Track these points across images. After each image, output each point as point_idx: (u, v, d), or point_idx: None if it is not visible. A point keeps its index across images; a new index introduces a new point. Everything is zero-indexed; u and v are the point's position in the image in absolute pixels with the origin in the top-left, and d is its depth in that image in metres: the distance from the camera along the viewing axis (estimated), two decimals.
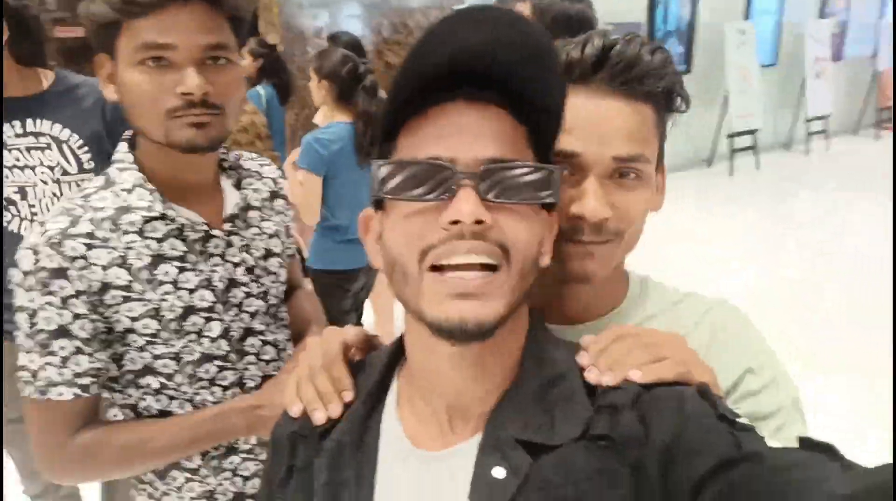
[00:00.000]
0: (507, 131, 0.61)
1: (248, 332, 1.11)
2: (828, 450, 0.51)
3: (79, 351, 0.95)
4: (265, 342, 1.14)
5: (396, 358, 0.73)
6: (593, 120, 0.72)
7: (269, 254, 1.14)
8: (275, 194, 1.21)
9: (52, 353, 0.95)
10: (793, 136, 8.71)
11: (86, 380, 0.97)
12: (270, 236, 1.16)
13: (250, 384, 1.11)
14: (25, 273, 0.93)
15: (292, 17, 4.57)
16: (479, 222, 0.56)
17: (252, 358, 1.11)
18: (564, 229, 0.73)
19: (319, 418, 0.70)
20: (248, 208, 1.12)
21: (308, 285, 1.81)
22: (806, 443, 0.53)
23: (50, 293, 0.93)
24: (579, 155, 0.72)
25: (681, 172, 7.57)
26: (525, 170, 0.60)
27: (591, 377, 0.64)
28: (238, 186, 1.13)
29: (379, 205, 0.66)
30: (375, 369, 0.72)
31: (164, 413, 1.05)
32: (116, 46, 0.94)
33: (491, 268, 0.58)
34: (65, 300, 0.93)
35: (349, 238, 2.73)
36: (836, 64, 8.73)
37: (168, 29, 0.91)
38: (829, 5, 8.87)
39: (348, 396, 0.71)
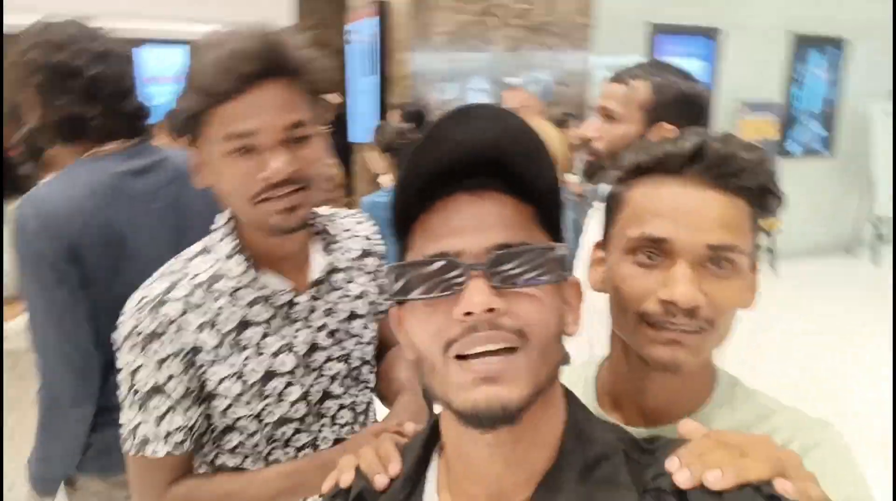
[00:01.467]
0: (511, 216, 0.62)
1: (327, 395, 1.12)
2: None
3: (172, 410, 1.00)
4: (342, 406, 1.14)
5: (433, 441, 0.72)
6: (686, 207, 0.74)
7: (353, 316, 1.15)
8: (366, 253, 1.21)
9: (147, 411, 1.00)
10: None
11: (179, 437, 1.01)
12: (356, 298, 1.15)
13: (323, 445, 1.12)
14: (126, 336, 0.98)
15: (423, 89, 4.81)
16: (490, 310, 0.57)
17: (327, 421, 1.13)
18: (653, 316, 0.74)
19: (382, 481, 0.71)
20: (334, 270, 1.13)
21: None
22: None
23: (147, 355, 0.98)
24: (670, 240, 0.73)
25: (820, 258, 7.10)
26: (534, 252, 0.61)
27: (673, 471, 0.59)
28: (327, 248, 1.14)
29: (401, 301, 0.66)
30: (413, 452, 0.72)
31: (236, 469, 1.08)
32: (202, 135, 0.96)
33: (511, 350, 0.59)
34: (160, 362, 0.98)
35: None
36: None
37: (249, 114, 0.92)
38: None
39: (396, 468, 0.72)
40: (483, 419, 0.58)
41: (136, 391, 1.00)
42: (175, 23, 7.88)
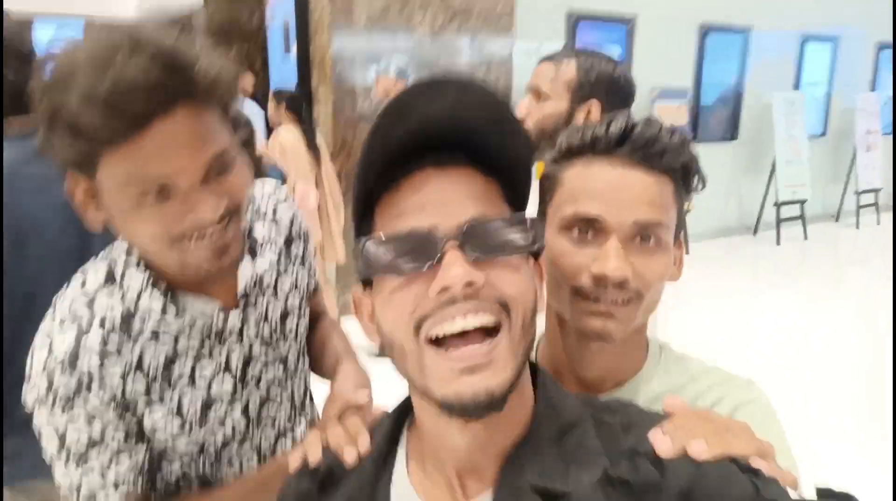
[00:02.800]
0: (479, 190, 0.61)
1: (266, 401, 1.06)
2: (846, 499, 0.51)
3: (114, 458, 0.91)
4: (281, 405, 1.09)
5: (404, 416, 0.72)
6: (615, 187, 0.77)
7: (286, 314, 1.08)
8: (291, 239, 1.12)
9: (88, 467, 0.90)
10: (842, 208, 8.52)
11: (129, 479, 0.92)
12: (287, 293, 1.08)
13: (265, 445, 1.08)
14: (41, 400, 0.86)
15: (344, 72, 4.73)
16: (469, 284, 0.56)
17: (268, 424, 1.08)
18: (586, 289, 0.78)
19: (351, 456, 0.69)
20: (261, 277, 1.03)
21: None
22: (824, 493, 0.53)
23: (73, 414, 0.87)
24: (601, 219, 0.77)
25: (726, 237, 7.47)
26: (506, 223, 0.60)
27: (656, 442, 0.59)
28: (253, 252, 1.02)
29: (367, 283, 0.65)
30: (383, 428, 0.71)
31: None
32: (93, 176, 0.80)
33: (491, 332, 0.57)
34: (90, 418, 0.88)
35: None
36: (886, 137, 8.59)
37: (158, 154, 0.75)
38: (879, 77, 8.79)
39: (364, 443, 0.71)
40: (468, 410, 0.56)
41: (69, 451, 0.88)
42: None
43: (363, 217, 0.64)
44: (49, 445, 0.90)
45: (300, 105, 4.12)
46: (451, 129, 0.59)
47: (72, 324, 0.88)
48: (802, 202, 7.61)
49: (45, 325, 0.91)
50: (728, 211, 7.63)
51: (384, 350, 0.62)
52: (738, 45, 7.34)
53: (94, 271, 0.94)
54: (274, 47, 5.32)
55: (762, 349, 4.42)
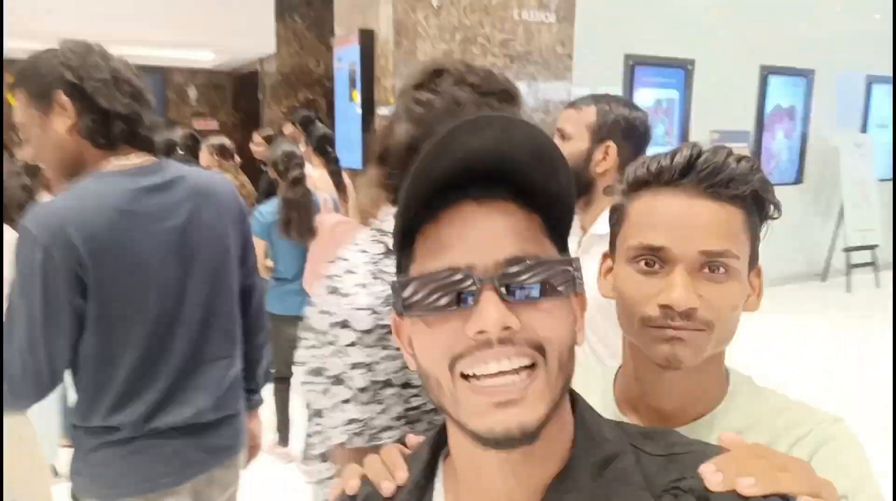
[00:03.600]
0: (520, 226, 0.60)
1: None
2: None
3: (397, 396, 1.00)
4: None
5: (440, 446, 0.71)
6: (680, 217, 0.78)
7: None
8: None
9: (381, 402, 0.99)
10: None
11: (401, 421, 1.00)
12: None
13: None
14: (365, 331, 0.96)
15: None
16: (506, 327, 0.55)
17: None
18: (654, 318, 0.78)
19: (388, 488, 0.69)
20: None
21: None
22: None
23: (387, 348, 0.97)
24: (667, 249, 0.78)
25: (794, 284, 7.22)
26: (544, 264, 0.59)
27: (706, 475, 0.58)
28: None
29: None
30: (420, 460, 0.70)
31: None
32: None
33: (527, 368, 0.57)
34: (395, 353, 0.97)
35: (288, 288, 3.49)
36: None
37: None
38: None
39: (402, 475, 0.70)
40: (500, 443, 0.56)
41: (373, 384, 0.98)
42: (154, 48, 7.90)
43: (403, 249, 0.64)
44: (356, 380, 0.98)
45: (326, 145, 4.38)
46: (494, 162, 0.59)
47: (374, 280, 0.99)
48: (873, 248, 7.32)
49: (342, 282, 1.00)
50: (795, 256, 7.39)
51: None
52: (802, 87, 7.23)
53: (368, 246, 1.05)
54: (340, 93, 5.52)
55: (838, 400, 4.23)
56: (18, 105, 1.40)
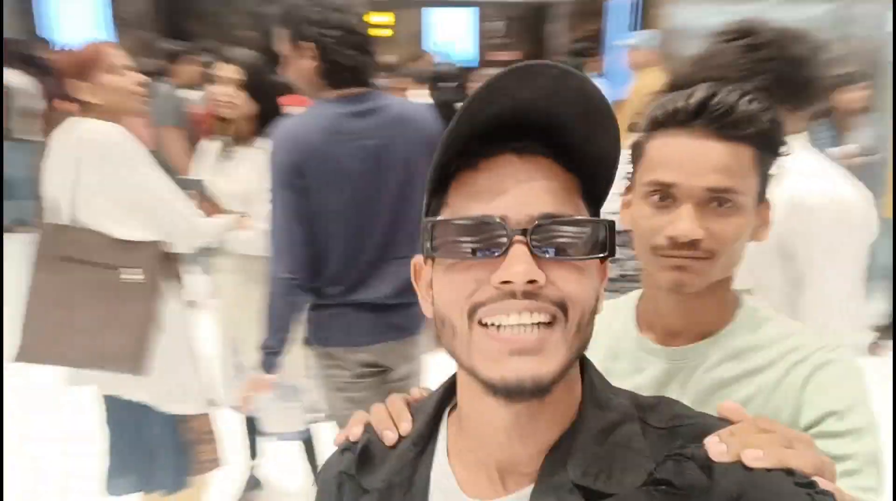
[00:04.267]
0: (558, 184, 0.59)
1: None
2: None
3: None
4: None
5: (447, 399, 0.71)
6: (689, 156, 0.84)
7: None
8: None
9: None
10: None
11: None
12: None
13: None
14: None
15: (688, 46, 4.55)
16: (531, 281, 0.55)
17: None
18: (662, 248, 0.86)
19: (390, 437, 0.70)
20: None
21: None
22: None
23: None
24: (674, 185, 0.85)
25: None
26: (578, 224, 0.58)
27: (710, 446, 0.57)
28: None
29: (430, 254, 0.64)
30: (425, 412, 0.71)
31: None
32: None
33: (546, 324, 0.57)
34: None
35: None
36: None
37: None
38: None
39: (406, 426, 0.71)
40: (512, 392, 0.56)
41: None
42: None
43: (435, 192, 0.64)
44: None
45: None
46: (540, 116, 0.58)
47: None
48: None
49: None
50: None
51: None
52: None
53: None
54: (613, 27, 5.39)
55: None
56: (280, 38, 1.82)
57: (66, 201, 1.84)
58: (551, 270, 0.56)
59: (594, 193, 0.63)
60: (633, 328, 0.98)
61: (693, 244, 0.84)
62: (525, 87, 0.56)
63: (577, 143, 0.59)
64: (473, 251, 0.58)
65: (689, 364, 0.91)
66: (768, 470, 0.54)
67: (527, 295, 0.55)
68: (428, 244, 0.61)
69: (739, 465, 0.55)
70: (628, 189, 0.96)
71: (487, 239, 0.57)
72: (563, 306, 0.57)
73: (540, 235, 0.56)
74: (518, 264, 0.55)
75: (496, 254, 0.56)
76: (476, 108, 0.57)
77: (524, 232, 0.56)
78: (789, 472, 0.54)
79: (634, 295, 1.02)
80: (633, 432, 0.61)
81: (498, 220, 0.57)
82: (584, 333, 0.59)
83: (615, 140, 0.60)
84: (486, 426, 0.62)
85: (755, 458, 0.55)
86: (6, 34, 6.84)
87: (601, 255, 0.59)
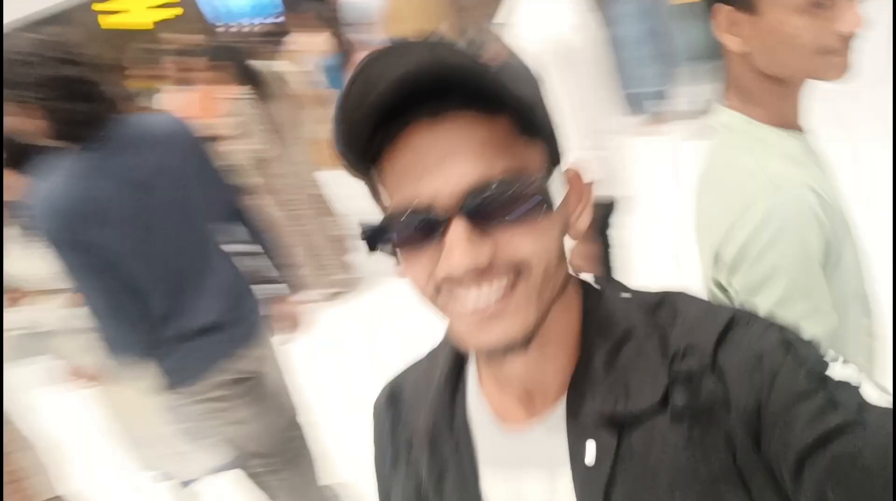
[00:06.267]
0: (482, 138, 0.54)
1: None
2: None
3: None
4: None
5: None
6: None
7: None
8: None
9: None
10: None
11: None
12: None
13: None
14: None
15: None
16: (472, 269, 0.53)
17: None
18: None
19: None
20: None
21: None
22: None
23: None
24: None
25: None
26: (515, 183, 0.54)
27: None
28: None
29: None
30: (443, 352, 0.73)
31: None
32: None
33: (509, 286, 0.56)
34: None
35: None
36: None
37: None
38: None
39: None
40: (493, 354, 0.58)
41: None
42: None
43: (368, 177, 0.61)
44: None
45: None
46: (439, 71, 0.52)
47: None
48: None
49: None
50: None
51: None
52: None
53: None
54: None
55: None
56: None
57: None
58: (500, 235, 0.55)
59: (534, 121, 0.57)
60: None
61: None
62: (410, 52, 0.52)
63: (488, 87, 0.53)
64: (418, 241, 0.56)
65: None
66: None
67: (478, 276, 0.54)
68: (374, 245, 0.59)
69: (748, 374, 0.55)
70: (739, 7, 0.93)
71: (423, 226, 0.55)
72: (519, 268, 0.56)
73: (473, 206, 0.53)
74: (455, 251, 0.53)
75: (437, 237, 0.55)
76: (358, 92, 0.53)
77: (456, 209, 0.53)
78: (809, 373, 0.53)
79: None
80: (642, 345, 0.60)
81: (427, 205, 0.54)
82: (550, 279, 0.58)
83: (526, 77, 0.59)
84: (496, 368, 0.65)
85: None
86: None
87: (545, 208, 0.56)
